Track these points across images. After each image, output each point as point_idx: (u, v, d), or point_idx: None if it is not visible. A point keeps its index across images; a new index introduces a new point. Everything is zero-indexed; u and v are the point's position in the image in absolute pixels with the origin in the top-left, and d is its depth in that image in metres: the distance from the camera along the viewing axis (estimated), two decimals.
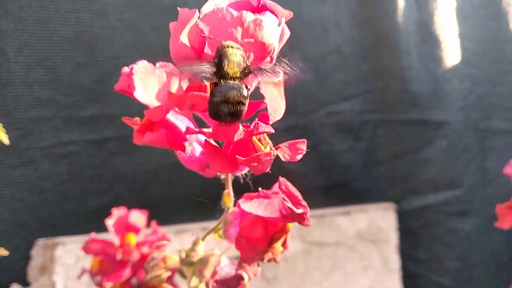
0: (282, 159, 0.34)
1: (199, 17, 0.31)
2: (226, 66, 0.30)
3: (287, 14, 0.34)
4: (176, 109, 0.34)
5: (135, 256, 0.57)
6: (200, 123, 0.38)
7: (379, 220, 1.08)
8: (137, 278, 0.57)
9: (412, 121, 1.17)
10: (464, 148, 1.22)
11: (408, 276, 1.15)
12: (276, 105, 0.33)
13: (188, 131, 0.33)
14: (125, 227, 0.58)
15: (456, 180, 1.20)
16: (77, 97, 0.80)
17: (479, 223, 1.21)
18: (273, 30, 0.32)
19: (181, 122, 0.36)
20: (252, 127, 0.31)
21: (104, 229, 0.80)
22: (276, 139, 1.00)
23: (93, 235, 0.59)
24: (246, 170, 0.40)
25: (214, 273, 0.40)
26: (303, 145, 0.34)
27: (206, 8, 0.32)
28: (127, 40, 0.84)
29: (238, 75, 0.31)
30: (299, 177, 1.08)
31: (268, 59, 0.33)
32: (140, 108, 0.86)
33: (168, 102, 0.32)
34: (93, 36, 0.81)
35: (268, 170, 0.33)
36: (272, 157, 0.32)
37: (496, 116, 1.28)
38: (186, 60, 0.32)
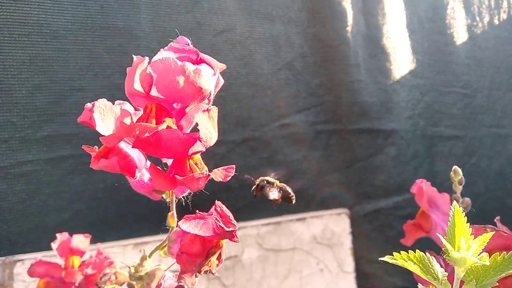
0: (215, 179, 0.40)
1: (148, 63, 0.37)
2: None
3: (221, 66, 0.41)
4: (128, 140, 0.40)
5: (78, 277, 0.59)
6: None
7: (333, 225, 1.14)
8: None
9: (362, 130, 1.24)
10: (412, 155, 1.30)
11: (363, 277, 1.21)
12: (208, 133, 0.39)
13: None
14: (68, 250, 0.61)
15: (406, 185, 1.27)
16: (33, 118, 0.83)
17: None
18: (210, 78, 0.39)
19: (132, 152, 0.41)
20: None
21: None
22: (233, 150, 1.06)
23: (39, 258, 0.61)
24: (187, 192, 0.46)
25: (159, 285, 0.46)
26: (232, 170, 0.41)
27: (156, 58, 0.38)
28: (81, 61, 0.88)
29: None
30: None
31: (206, 101, 0.40)
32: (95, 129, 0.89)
33: (119, 130, 0.37)
34: (46, 59, 0.85)
35: (202, 188, 0.39)
36: (205, 176, 0.38)
37: (442, 124, 1.37)
38: (139, 97, 0.39)
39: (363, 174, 1.25)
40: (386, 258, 0.38)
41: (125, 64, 0.93)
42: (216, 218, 0.41)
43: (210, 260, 0.42)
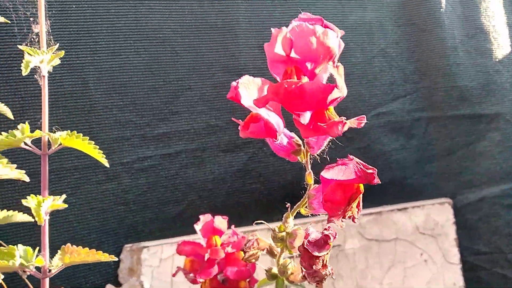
0: (350, 125, 0.44)
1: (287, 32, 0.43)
2: None
3: (341, 31, 0.46)
4: (269, 107, 0.46)
5: (221, 255, 0.65)
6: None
7: (436, 215, 1.11)
8: (223, 274, 0.66)
9: (463, 116, 1.18)
10: None
11: (470, 269, 1.16)
12: (342, 83, 0.44)
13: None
14: (211, 231, 0.67)
15: None
16: (150, 117, 0.90)
17: None
18: (335, 39, 0.44)
19: (272, 119, 0.46)
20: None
21: (181, 232, 0.90)
22: (329, 141, 1.05)
23: (184, 238, 0.69)
24: (321, 149, 0.50)
25: (307, 235, 0.50)
26: (363, 119, 0.45)
27: (288, 28, 0.44)
28: (188, 62, 0.93)
29: None
30: None
31: (331, 63, 0.45)
32: (204, 125, 0.95)
33: (269, 89, 0.43)
34: (159, 62, 0.91)
35: (341, 134, 0.43)
36: (343, 123, 0.43)
37: None
38: (279, 63, 0.45)
39: (465, 161, 1.19)
40: None
41: (226, 62, 0.97)
42: (356, 162, 0.44)
43: (351, 206, 0.46)
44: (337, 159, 0.45)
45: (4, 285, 0.60)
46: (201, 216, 0.68)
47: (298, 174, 1.02)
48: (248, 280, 0.67)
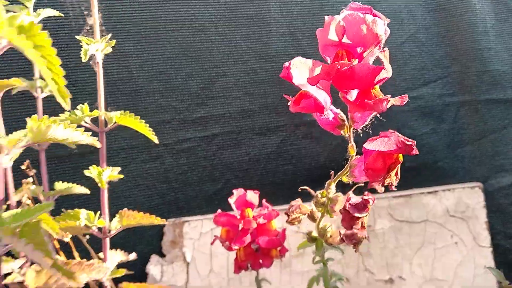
0: (394, 103, 0.48)
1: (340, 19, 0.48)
2: None
3: (387, 20, 0.50)
4: (319, 85, 0.50)
5: (253, 225, 0.72)
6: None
7: (467, 198, 1.12)
8: (255, 243, 0.73)
9: (495, 100, 1.19)
10: None
11: (502, 253, 1.16)
12: (388, 65, 0.49)
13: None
14: (243, 204, 0.74)
15: None
16: (188, 102, 0.96)
17: None
18: (382, 26, 0.48)
19: (319, 95, 0.50)
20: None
21: (218, 208, 0.96)
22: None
23: (219, 211, 0.75)
24: (365, 124, 0.54)
25: (348, 198, 0.55)
26: (405, 98, 0.49)
27: (340, 16, 0.48)
28: (223, 50, 0.99)
29: None
30: None
31: (377, 47, 0.49)
32: (239, 109, 0.99)
33: (322, 69, 0.47)
34: (196, 50, 0.97)
35: (385, 110, 0.47)
36: (387, 100, 0.47)
37: None
38: (331, 47, 0.49)
39: (497, 146, 1.20)
40: None
41: (259, 49, 1.02)
42: (398, 135, 0.48)
43: (390, 174, 0.50)
44: (380, 132, 0.49)
45: (72, 244, 0.67)
46: (234, 191, 0.74)
47: (329, 156, 1.06)
48: (279, 248, 0.73)
